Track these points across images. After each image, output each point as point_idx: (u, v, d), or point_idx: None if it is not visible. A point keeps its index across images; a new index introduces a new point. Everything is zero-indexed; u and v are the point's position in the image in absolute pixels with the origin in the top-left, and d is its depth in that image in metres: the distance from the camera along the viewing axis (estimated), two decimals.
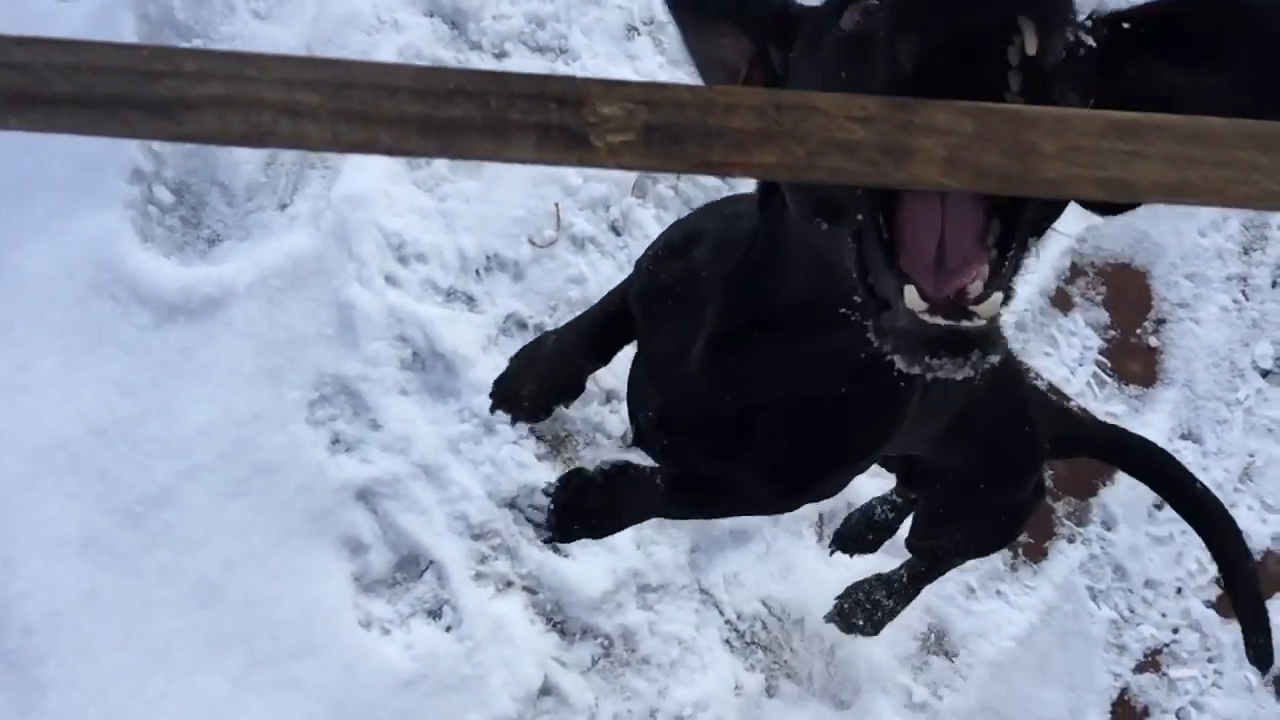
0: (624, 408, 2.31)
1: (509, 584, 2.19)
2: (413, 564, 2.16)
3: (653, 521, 2.25)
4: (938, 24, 0.64)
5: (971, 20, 0.63)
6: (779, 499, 1.29)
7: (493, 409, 1.82)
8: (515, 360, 1.91)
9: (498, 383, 1.90)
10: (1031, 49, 0.64)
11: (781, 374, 1.06)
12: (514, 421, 1.88)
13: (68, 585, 1.97)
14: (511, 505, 2.23)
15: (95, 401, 2.08)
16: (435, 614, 2.15)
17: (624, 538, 2.22)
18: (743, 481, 1.23)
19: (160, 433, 2.09)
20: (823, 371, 1.03)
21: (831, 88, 0.67)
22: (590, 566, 2.21)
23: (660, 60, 2.60)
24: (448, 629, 2.14)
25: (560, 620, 2.20)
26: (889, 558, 2.33)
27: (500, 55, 2.52)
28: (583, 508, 1.48)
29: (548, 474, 2.23)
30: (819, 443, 1.15)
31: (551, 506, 1.45)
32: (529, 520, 2.23)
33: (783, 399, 1.10)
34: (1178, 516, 2.45)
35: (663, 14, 2.64)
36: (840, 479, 1.26)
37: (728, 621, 2.27)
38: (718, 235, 1.18)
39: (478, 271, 2.35)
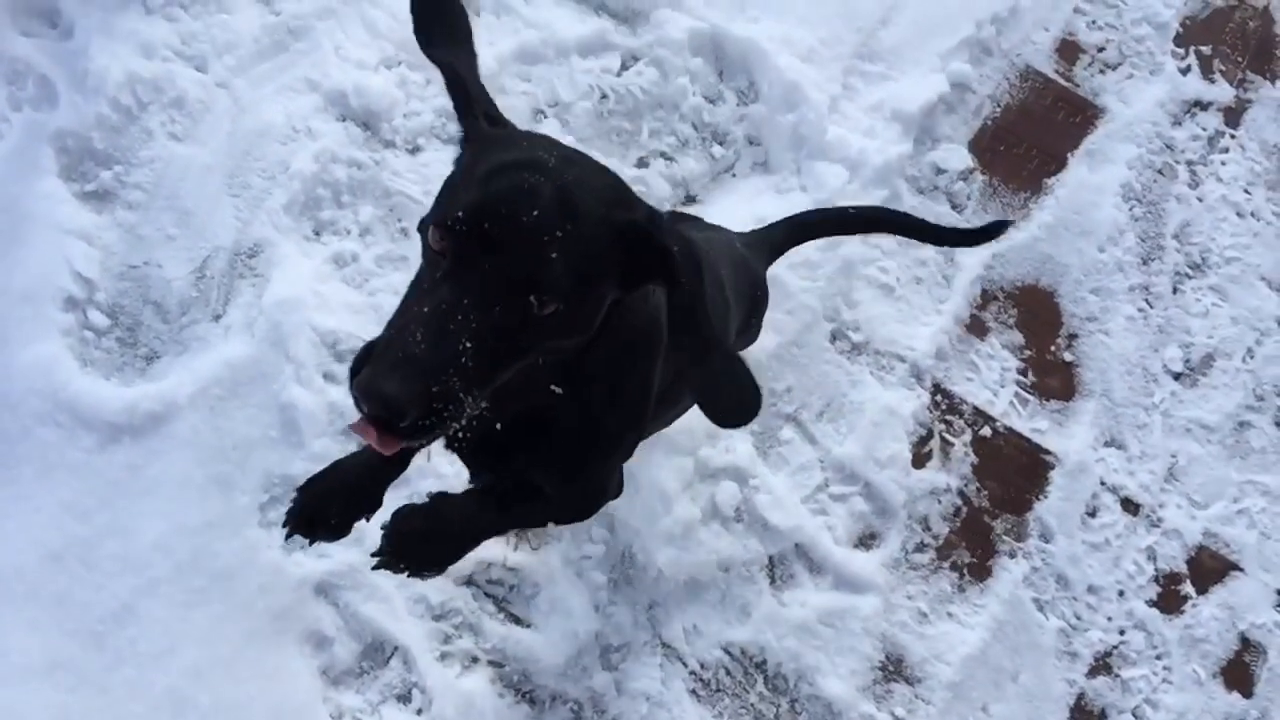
0: None
1: (474, 660, 2.24)
2: (378, 651, 2.20)
3: (608, 584, 2.31)
4: (473, 277, 1.08)
5: (486, 317, 1.08)
6: (563, 486, 1.54)
7: (289, 536, 1.68)
8: (308, 485, 1.72)
9: (293, 511, 1.70)
10: (539, 310, 1.11)
11: (519, 393, 1.30)
12: (312, 542, 1.72)
13: (37, 712, 1.99)
14: (469, 583, 2.28)
15: (48, 528, 2.12)
16: (405, 698, 2.19)
17: (582, 601, 2.28)
18: (534, 477, 1.51)
19: (115, 551, 2.13)
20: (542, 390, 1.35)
21: (424, 252, 1.18)
22: (552, 634, 2.26)
23: (569, 139, 2.70)
24: (419, 712, 2.18)
25: (529, 690, 2.24)
26: (844, 595, 2.41)
27: (414, 150, 2.61)
28: (413, 532, 1.53)
29: (503, 549, 2.29)
30: (569, 437, 1.44)
31: (384, 536, 1.50)
32: (488, 595, 2.28)
33: (529, 412, 1.39)
34: (1111, 521, 2.57)
35: (567, 95, 2.75)
36: (605, 464, 1.56)
37: (692, 672, 2.33)
38: None
39: None
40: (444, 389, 1.07)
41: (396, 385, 1.04)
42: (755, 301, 2.09)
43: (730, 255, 1.95)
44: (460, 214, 1.10)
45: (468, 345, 1.08)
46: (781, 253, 2.31)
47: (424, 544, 1.51)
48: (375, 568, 1.50)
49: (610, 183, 1.23)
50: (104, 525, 2.14)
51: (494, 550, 2.29)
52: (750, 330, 2.20)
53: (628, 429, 1.54)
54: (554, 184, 1.13)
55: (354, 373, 1.37)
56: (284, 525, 1.65)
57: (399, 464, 1.67)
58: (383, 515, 1.55)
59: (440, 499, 1.51)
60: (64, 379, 2.20)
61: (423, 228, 1.18)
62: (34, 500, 2.13)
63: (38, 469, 2.15)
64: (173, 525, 2.16)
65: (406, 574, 1.52)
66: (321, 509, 1.64)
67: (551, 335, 1.17)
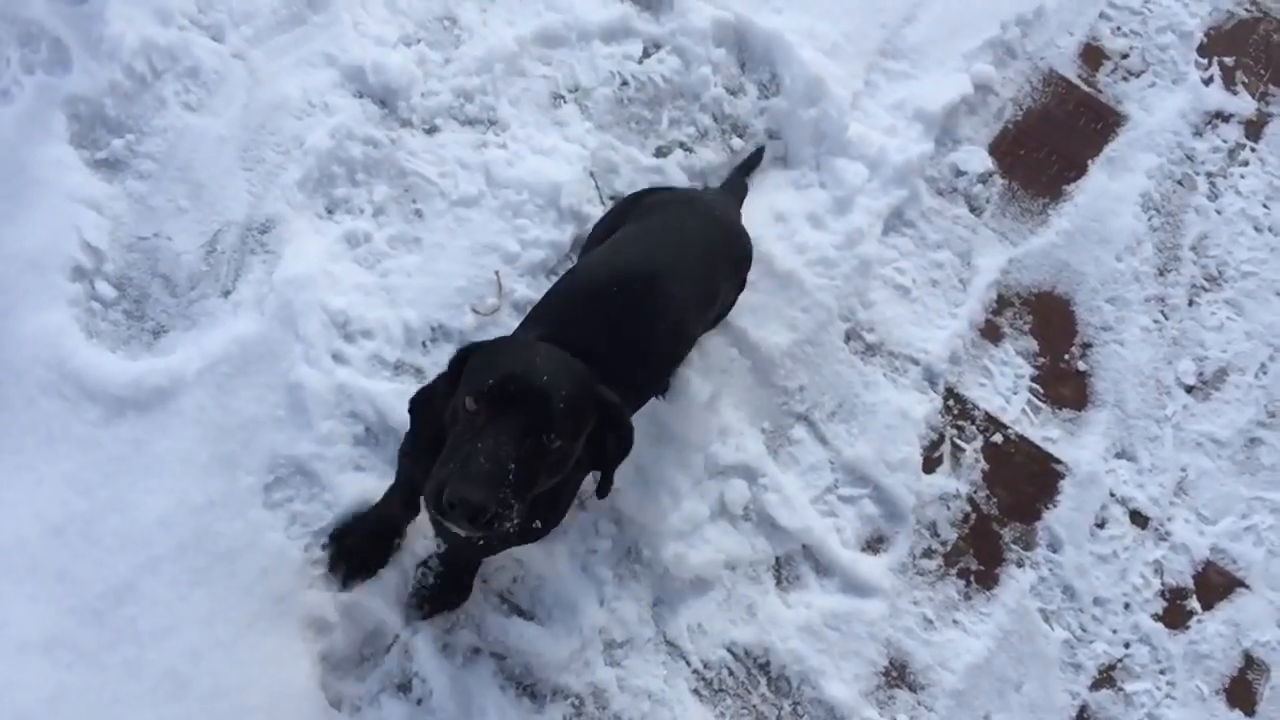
0: None
1: (476, 651, 2.21)
2: (379, 639, 2.17)
3: (613, 579, 2.29)
4: (508, 423, 1.52)
5: (519, 449, 1.52)
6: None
7: (332, 568, 2.19)
8: (341, 537, 2.21)
9: (333, 558, 2.20)
10: (549, 444, 1.55)
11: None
12: (346, 582, 2.19)
13: (33, 688, 1.95)
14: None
15: (50, 501, 2.08)
16: (405, 688, 2.16)
17: (587, 596, 2.25)
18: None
19: (118, 527, 2.09)
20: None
21: (456, 427, 1.58)
22: (556, 628, 2.23)
23: (588, 125, 2.67)
24: (418, 702, 2.15)
25: (530, 683, 2.21)
26: (848, 597, 2.40)
27: (431, 130, 2.57)
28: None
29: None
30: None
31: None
32: (492, 587, 2.25)
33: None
34: (1119, 534, 2.55)
35: (588, 80, 2.71)
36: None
37: (695, 671, 2.30)
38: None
39: (424, 343, 2.38)
40: (504, 495, 1.48)
41: (479, 493, 1.45)
42: (735, 251, 2.29)
43: (701, 213, 2.21)
44: (491, 383, 1.54)
45: (512, 467, 1.49)
46: (742, 198, 2.57)
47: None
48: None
49: (583, 370, 1.67)
50: (106, 500, 2.10)
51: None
52: (736, 281, 2.33)
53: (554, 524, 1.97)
54: (550, 366, 1.60)
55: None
56: (331, 571, 2.18)
57: (412, 510, 2.17)
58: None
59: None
60: (70, 350, 2.16)
61: (454, 406, 1.62)
62: (36, 471, 2.09)
63: (41, 440, 2.11)
64: (176, 503, 2.12)
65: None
66: (358, 552, 2.18)
67: (553, 464, 1.58)
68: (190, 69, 2.44)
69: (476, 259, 2.46)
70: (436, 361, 2.35)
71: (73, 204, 2.27)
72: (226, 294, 2.33)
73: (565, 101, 2.69)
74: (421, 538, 2.24)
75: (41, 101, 2.31)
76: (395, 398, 2.28)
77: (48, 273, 2.20)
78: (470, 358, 1.69)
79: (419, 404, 1.81)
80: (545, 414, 1.54)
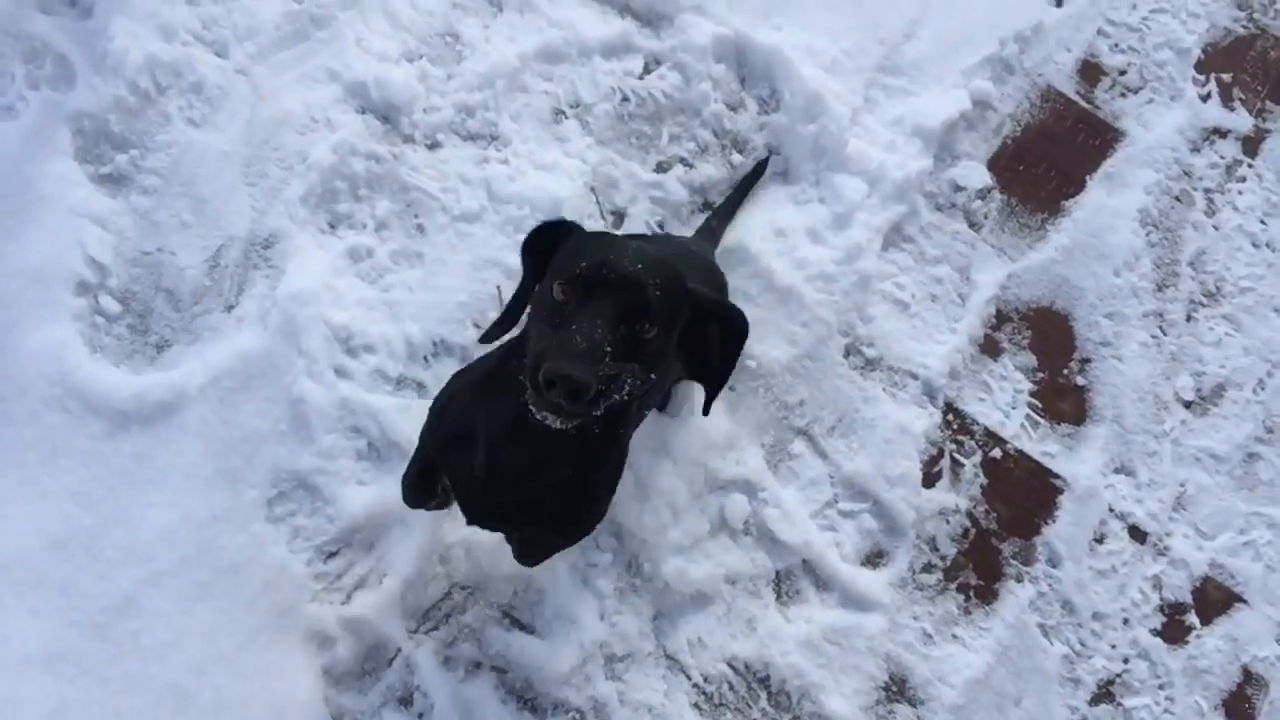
0: None
1: (477, 665, 2.21)
2: (380, 652, 2.18)
3: (614, 593, 2.30)
4: (603, 307, 1.42)
5: (615, 334, 1.41)
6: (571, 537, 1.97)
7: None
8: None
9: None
10: (645, 334, 1.44)
11: (529, 469, 1.68)
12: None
13: (36, 702, 1.96)
14: (471, 589, 2.26)
15: (54, 515, 2.09)
16: (407, 701, 2.16)
17: (588, 610, 2.26)
18: (541, 535, 1.95)
19: (121, 541, 2.10)
20: (551, 459, 1.67)
21: (541, 317, 1.47)
22: (557, 641, 2.24)
23: (589, 141, 2.68)
24: (420, 715, 2.15)
25: (531, 697, 2.22)
26: (850, 612, 2.40)
27: (433, 146, 2.58)
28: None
29: (510, 556, 2.26)
30: (571, 504, 1.78)
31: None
32: (493, 601, 2.26)
33: (539, 485, 1.71)
34: (1118, 549, 2.56)
35: (589, 96, 2.73)
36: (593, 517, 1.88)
37: (695, 685, 2.31)
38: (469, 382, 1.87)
39: (425, 358, 2.39)
40: (603, 374, 1.38)
41: (580, 369, 1.35)
42: (720, 289, 2.35)
43: (697, 261, 2.26)
44: (583, 267, 1.45)
45: (608, 350, 1.39)
46: (719, 239, 2.63)
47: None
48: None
49: (674, 264, 1.54)
50: (109, 514, 2.11)
51: (501, 556, 2.26)
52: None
53: (609, 495, 1.88)
54: (643, 255, 1.49)
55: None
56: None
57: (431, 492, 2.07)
58: None
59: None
60: (74, 364, 2.17)
61: (538, 296, 1.53)
62: (40, 486, 2.10)
63: (44, 454, 2.12)
64: (179, 517, 2.13)
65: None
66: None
67: (649, 357, 1.47)
68: (194, 84, 2.46)
69: (478, 274, 2.47)
70: (438, 375, 2.36)
71: (77, 219, 2.28)
72: (230, 308, 2.34)
73: (566, 117, 2.71)
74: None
75: (46, 117, 2.32)
76: (397, 412, 2.29)
77: (52, 287, 2.21)
78: (546, 240, 1.59)
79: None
80: (641, 301, 1.44)
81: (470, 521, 1.84)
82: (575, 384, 1.34)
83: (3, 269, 2.20)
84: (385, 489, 2.25)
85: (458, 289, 2.45)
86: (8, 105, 2.34)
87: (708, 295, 1.59)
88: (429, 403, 2.31)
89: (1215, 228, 3.02)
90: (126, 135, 2.40)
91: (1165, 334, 2.87)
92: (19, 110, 2.33)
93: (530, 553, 2.07)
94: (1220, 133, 3.14)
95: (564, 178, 2.61)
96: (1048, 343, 2.79)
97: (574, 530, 1.91)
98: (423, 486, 2.05)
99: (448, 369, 2.37)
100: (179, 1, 2.50)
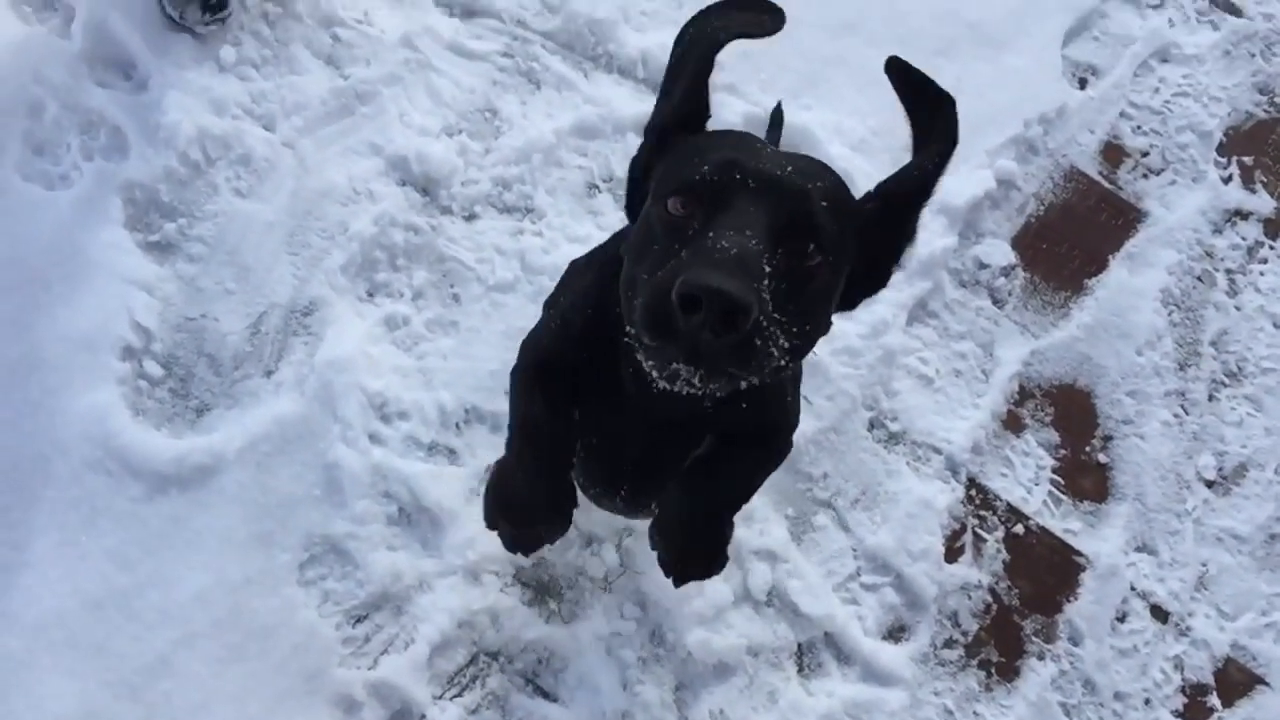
0: (605, 549, 2.39)
1: None
2: (405, 718, 2.21)
3: (637, 662, 2.32)
4: (753, 218, 1.03)
5: (778, 227, 1.04)
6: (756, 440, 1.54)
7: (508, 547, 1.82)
8: (504, 508, 1.72)
9: (508, 544, 1.80)
10: (810, 260, 1.08)
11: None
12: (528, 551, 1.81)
13: None
14: (498, 655, 2.29)
15: (91, 575, 2.13)
16: None
17: (611, 679, 2.28)
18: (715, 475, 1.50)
19: (156, 603, 2.14)
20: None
21: (650, 232, 1.10)
22: (580, 710, 2.26)
23: (620, 215, 2.74)
24: None
25: None
26: (868, 686, 2.42)
27: (470, 217, 2.65)
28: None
29: (535, 623, 2.30)
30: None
31: (662, 564, 1.60)
32: (517, 668, 2.28)
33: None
34: (1140, 628, 2.57)
35: (621, 171, 2.79)
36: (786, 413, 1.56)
37: None
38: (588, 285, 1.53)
39: (458, 425, 2.44)
40: (765, 303, 0.97)
41: (735, 283, 0.92)
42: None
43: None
44: (709, 168, 1.06)
45: (766, 269, 0.99)
46: None
47: (699, 558, 1.57)
48: (677, 585, 1.61)
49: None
50: (146, 576, 2.15)
51: (527, 624, 2.29)
52: None
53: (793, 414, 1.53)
54: (794, 157, 1.12)
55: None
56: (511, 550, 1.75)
57: (571, 440, 1.55)
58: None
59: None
60: (116, 427, 2.23)
61: (646, 218, 1.15)
62: (79, 546, 2.15)
63: (85, 515, 2.17)
64: (213, 579, 2.18)
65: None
66: (529, 520, 1.62)
67: (815, 296, 1.08)
68: (242, 156, 2.54)
69: (510, 343, 2.52)
70: (469, 443, 2.41)
71: (125, 285, 2.35)
72: (269, 374, 2.40)
73: (600, 191, 2.78)
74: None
75: (99, 187, 2.40)
76: (429, 478, 2.34)
77: (99, 352, 2.28)
78: (674, 145, 1.20)
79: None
80: (804, 213, 1.04)
81: (610, 479, 1.51)
82: (730, 301, 0.90)
83: (53, 333, 2.27)
84: (414, 554, 2.29)
85: (490, 358, 2.50)
86: (62, 174, 2.43)
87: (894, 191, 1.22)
88: (460, 469, 2.38)
89: (1237, 308, 3.05)
90: (175, 204, 2.48)
91: (1187, 413, 2.89)
92: (73, 179, 2.42)
93: (696, 531, 1.54)
94: (1242, 214, 3.18)
95: None
96: (1070, 420, 2.82)
97: (768, 447, 1.49)
98: (555, 465, 1.51)
99: (479, 436, 2.42)
100: (230, 77, 2.59)
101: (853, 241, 1.15)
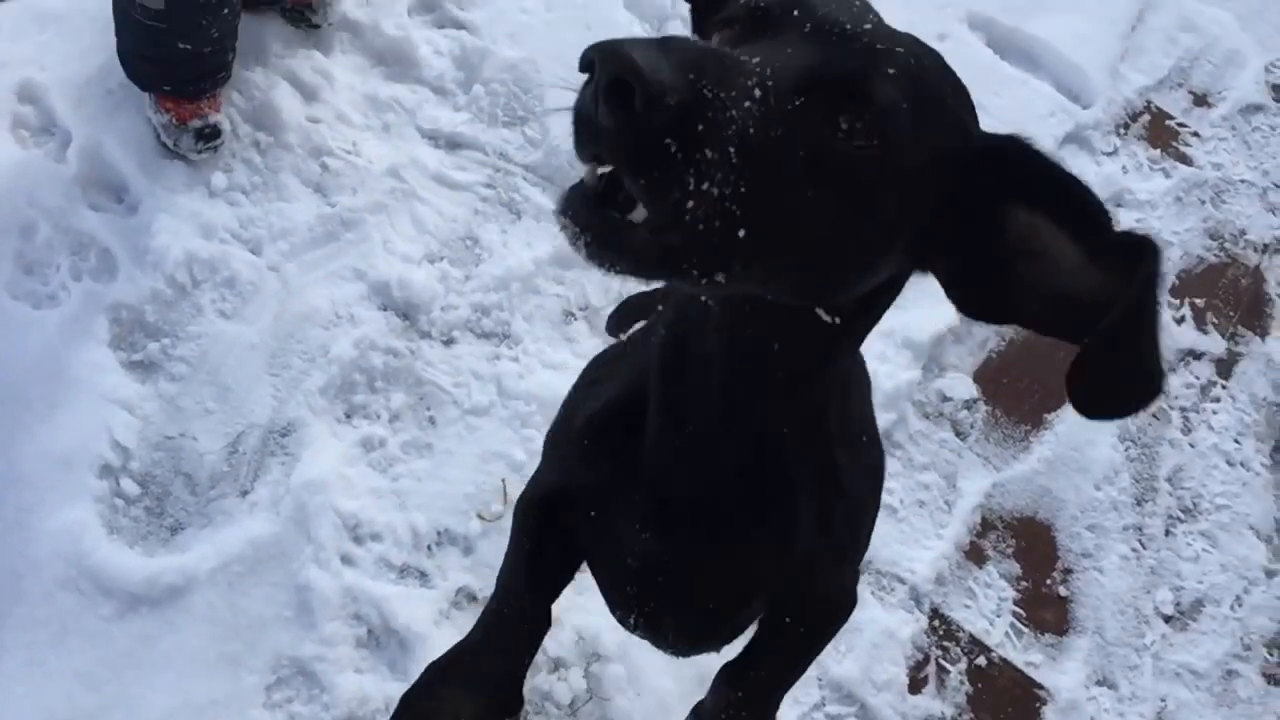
0: (572, 674, 2.40)
1: None
2: None
3: None
4: (778, 47, 0.78)
5: (809, 69, 0.77)
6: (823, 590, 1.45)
7: None
8: (421, 695, 1.45)
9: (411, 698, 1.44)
10: (845, 132, 0.78)
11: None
12: None
13: None
14: None
15: (57, 695, 2.12)
16: None
17: None
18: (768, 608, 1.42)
19: None
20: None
21: None
22: None
23: (596, 342, 2.81)
24: None
25: None
26: None
27: (449, 342, 2.72)
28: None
29: None
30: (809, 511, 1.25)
31: None
32: None
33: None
34: None
35: (598, 300, 2.88)
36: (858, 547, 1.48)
37: None
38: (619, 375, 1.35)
39: (429, 547, 2.47)
40: (708, 91, 0.70)
41: (645, 51, 0.66)
42: None
43: None
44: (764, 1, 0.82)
45: (755, 93, 0.73)
46: None
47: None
48: None
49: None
50: (112, 696, 2.14)
51: None
52: None
53: (877, 487, 1.33)
54: (889, 29, 0.83)
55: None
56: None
57: (543, 624, 1.42)
58: None
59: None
60: (90, 545, 2.24)
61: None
62: (46, 665, 2.14)
63: (54, 634, 2.17)
64: (180, 701, 2.17)
65: None
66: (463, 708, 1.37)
67: (838, 195, 0.78)
68: (228, 279, 2.60)
69: (484, 466, 2.57)
70: (440, 565, 2.43)
71: (106, 404, 2.39)
72: (244, 494, 2.43)
73: (576, 318, 2.85)
74: None
75: (86, 307, 2.46)
76: (399, 600, 2.35)
77: (77, 470, 2.31)
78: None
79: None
80: (858, 71, 0.77)
81: (635, 604, 1.37)
82: (620, 61, 0.66)
83: (32, 450, 2.30)
84: (381, 677, 2.29)
85: (464, 480, 2.54)
86: (50, 294, 2.48)
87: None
88: (430, 591, 2.40)
89: (1191, 445, 3.15)
90: (160, 325, 2.53)
91: (1145, 548, 2.96)
92: (61, 299, 2.47)
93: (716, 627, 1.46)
94: (1195, 354, 3.30)
95: (572, 376, 2.67)
96: (1031, 552, 2.88)
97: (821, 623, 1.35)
98: (543, 565, 1.44)
99: (450, 559, 2.45)
100: (220, 202, 2.68)
101: (944, 135, 0.83)
